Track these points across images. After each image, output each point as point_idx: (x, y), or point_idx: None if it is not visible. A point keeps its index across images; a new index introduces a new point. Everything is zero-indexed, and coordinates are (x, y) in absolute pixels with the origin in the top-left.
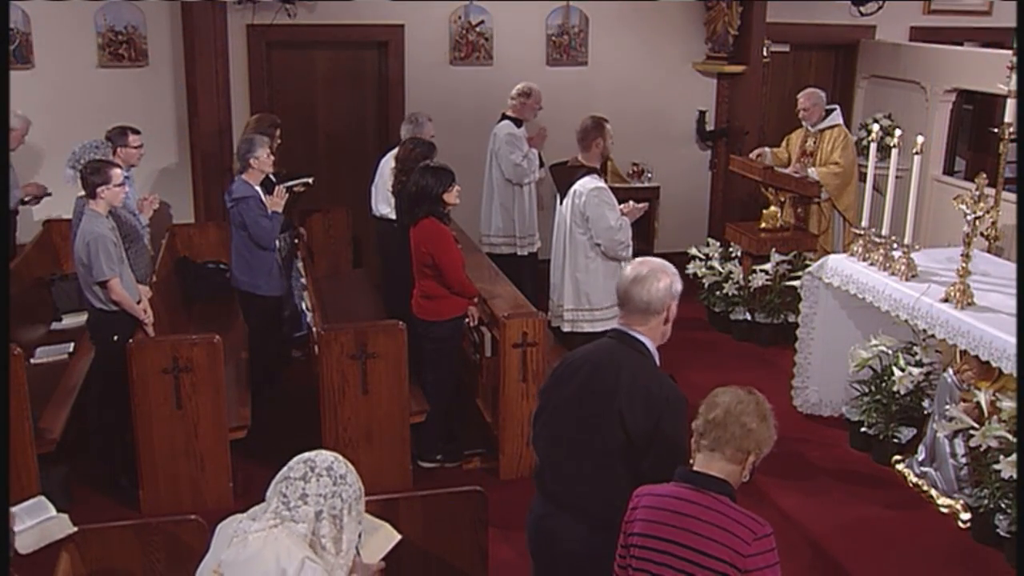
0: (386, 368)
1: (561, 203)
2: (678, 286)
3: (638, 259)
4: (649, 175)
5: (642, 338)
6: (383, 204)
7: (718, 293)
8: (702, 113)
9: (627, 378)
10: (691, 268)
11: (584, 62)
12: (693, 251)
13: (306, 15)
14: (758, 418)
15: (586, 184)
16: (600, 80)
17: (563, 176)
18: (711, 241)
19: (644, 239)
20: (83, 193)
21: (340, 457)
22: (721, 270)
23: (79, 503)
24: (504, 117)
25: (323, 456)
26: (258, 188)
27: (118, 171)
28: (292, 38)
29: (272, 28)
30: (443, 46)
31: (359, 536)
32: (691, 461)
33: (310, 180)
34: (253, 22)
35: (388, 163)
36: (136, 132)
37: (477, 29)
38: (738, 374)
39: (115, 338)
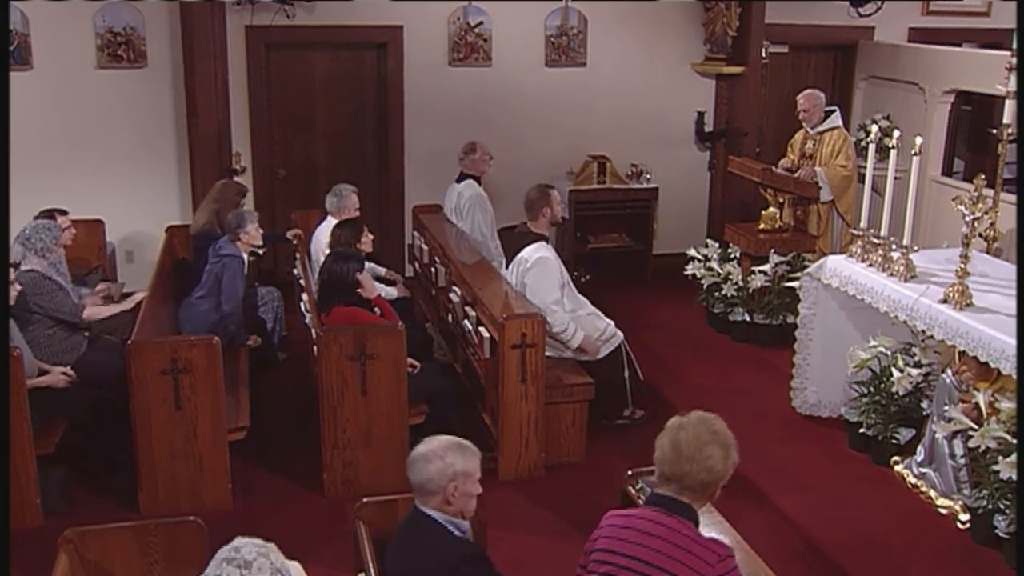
0: (385, 369)
1: (507, 267)
2: (460, 467)
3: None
4: (648, 176)
5: (432, 513)
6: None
7: (717, 294)
8: (701, 114)
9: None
10: (690, 269)
11: (583, 63)
12: (692, 252)
13: (305, 16)
14: (722, 455)
15: (532, 252)
16: (599, 81)
17: (512, 242)
18: (710, 242)
19: (643, 240)
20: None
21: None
22: (720, 271)
23: (78, 504)
24: (463, 176)
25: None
26: (245, 256)
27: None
28: (291, 39)
29: (271, 29)
30: (442, 47)
31: None
32: (657, 490)
33: (291, 239)
34: (252, 23)
35: (323, 236)
36: (64, 212)
37: (476, 30)
38: (737, 375)
39: None
